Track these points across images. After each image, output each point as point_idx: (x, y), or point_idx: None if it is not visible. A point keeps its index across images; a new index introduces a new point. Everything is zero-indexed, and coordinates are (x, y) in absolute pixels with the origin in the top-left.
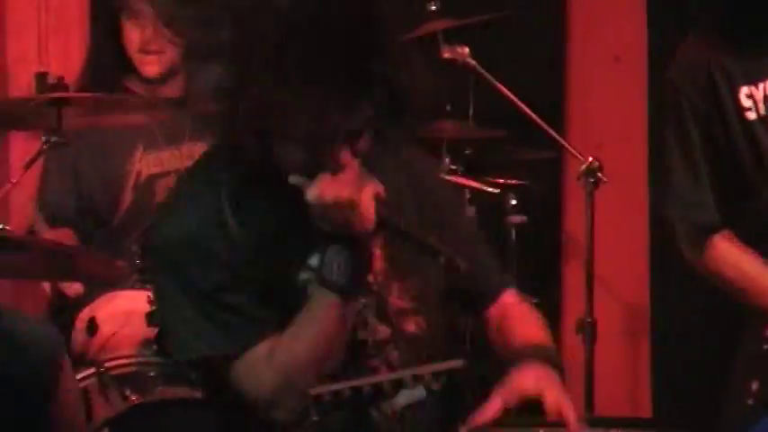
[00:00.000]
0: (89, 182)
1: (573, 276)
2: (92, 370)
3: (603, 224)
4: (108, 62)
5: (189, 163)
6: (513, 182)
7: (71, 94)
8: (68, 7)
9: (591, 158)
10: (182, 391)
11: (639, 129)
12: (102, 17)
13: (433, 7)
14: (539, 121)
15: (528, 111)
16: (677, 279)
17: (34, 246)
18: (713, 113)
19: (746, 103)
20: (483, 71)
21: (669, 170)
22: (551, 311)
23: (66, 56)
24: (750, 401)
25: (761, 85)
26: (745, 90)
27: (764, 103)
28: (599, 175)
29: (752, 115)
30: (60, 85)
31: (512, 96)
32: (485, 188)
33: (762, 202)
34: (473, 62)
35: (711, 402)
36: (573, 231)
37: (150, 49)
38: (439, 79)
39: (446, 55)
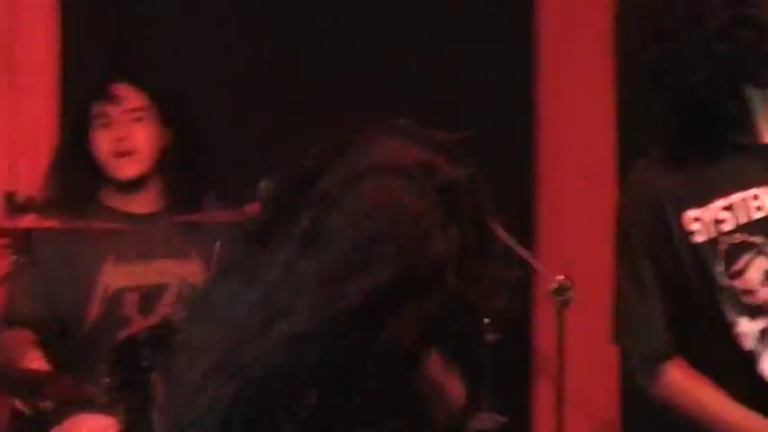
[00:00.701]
0: (56, 288)
1: (543, 394)
2: None
3: (573, 342)
4: (79, 175)
5: (158, 279)
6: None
7: (37, 224)
8: (39, 125)
9: (561, 277)
10: None
11: (609, 246)
12: (69, 129)
13: (401, 122)
14: (508, 240)
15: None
16: (647, 397)
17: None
18: (662, 239)
19: (694, 226)
20: None
21: (620, 296)
22: (522, 430)
23: (36, 173)
24: None
25: (709, 207)
26: (692, 213)
27: (713, 225)
28: (569, 293)
29: (699, 238)
30: (29, 204)
31: None
32: None
33: (718, 342)
34: None
35: None
36: (543, 349)
37: (123, 151)
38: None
39: None
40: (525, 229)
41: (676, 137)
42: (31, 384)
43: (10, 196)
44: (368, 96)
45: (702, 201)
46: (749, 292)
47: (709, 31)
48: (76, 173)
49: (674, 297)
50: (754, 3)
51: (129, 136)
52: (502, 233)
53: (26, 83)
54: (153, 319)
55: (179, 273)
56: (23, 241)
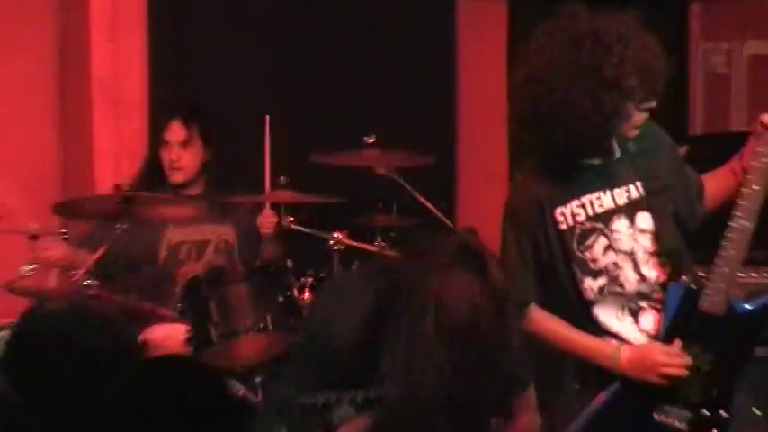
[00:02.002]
0: (140, 241)
1: None
2: None
3: None
4: (156, 173)
5: (203, 237)
6: None
7: (137, 193)
8: (135, 141)
9: None
10: None
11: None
12: (151, 146)
13: (371, 140)
14: (441, 218)
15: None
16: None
17: (118, 304)
18: (540, 226)
19: (560, 218)
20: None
21: (507, 263)
22: None
23: (132, 171)
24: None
25: (569, 205)
26: (558, 210)
27: (571, 217)
28: None
29: (563, 227)
30: (129, 191)
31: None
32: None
33: (569, 296)
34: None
35: None
36: None
37: (174, 168)
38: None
39: (379, 171)
40: (450, 213)
41: (546, 159)
42: (126, 310)
43: (118, 186)
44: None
45: (565, 202)
46: (593, 260)
47: (570, 115)
48: (155, 172)
49: (543, 266)
50: (612, 65)
51: (179, 158)
52: (436, 213)
53: (127, 112)
54: (201, 264)
55: (216, 233)
56: (126, 210)
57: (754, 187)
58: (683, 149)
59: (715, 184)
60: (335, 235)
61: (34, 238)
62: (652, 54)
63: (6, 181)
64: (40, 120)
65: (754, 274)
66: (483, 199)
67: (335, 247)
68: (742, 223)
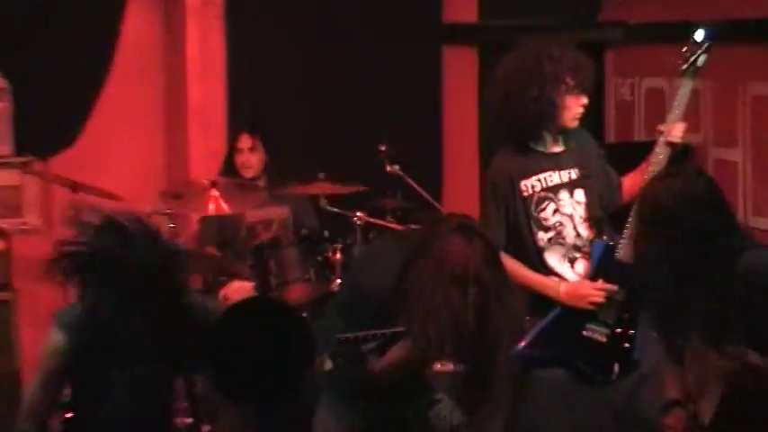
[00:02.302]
0: (227, 224)
1: None
2: None
3: None
4: (229, 173)
5: (269, 216)
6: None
7: (220, 179)
8: (218, 146)
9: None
10: None
11: (476, 199)
12: (228, 150)
13: (321, 175)
14: (428, 197)
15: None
16: None
17: (211, 259)
18: (510, 194)
19: (523, 188)
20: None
21: (487, 220)
22: None
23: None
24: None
25: (530, 180)
26: (522, 182)
27: (529, 190)
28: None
29: (525, 194)
30: (215, 182)
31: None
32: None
33: (527, 244)
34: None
35: None
36: None
37: (245, 167)
38: None
39: (389, 170)
40: (438, 191)
41: (512, 145)
42: (212, 263)
43: (212, 181)
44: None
45: (527, 177)
46: (545, 219)
47: (526, 100)
48: (231, 170)
49: (511, 225)
50: (553, 63)
51: (248, 160)
52: (428, 198)
53: (211, 128)
54: (268, 235)
55: (277, 213)
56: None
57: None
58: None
59: (630, 182)
60: (358, 214)
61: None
62: (582, 59)
63: (126, 176)
64: (151, 134)
65: None
66: (460, 188)
67: (358, 223)
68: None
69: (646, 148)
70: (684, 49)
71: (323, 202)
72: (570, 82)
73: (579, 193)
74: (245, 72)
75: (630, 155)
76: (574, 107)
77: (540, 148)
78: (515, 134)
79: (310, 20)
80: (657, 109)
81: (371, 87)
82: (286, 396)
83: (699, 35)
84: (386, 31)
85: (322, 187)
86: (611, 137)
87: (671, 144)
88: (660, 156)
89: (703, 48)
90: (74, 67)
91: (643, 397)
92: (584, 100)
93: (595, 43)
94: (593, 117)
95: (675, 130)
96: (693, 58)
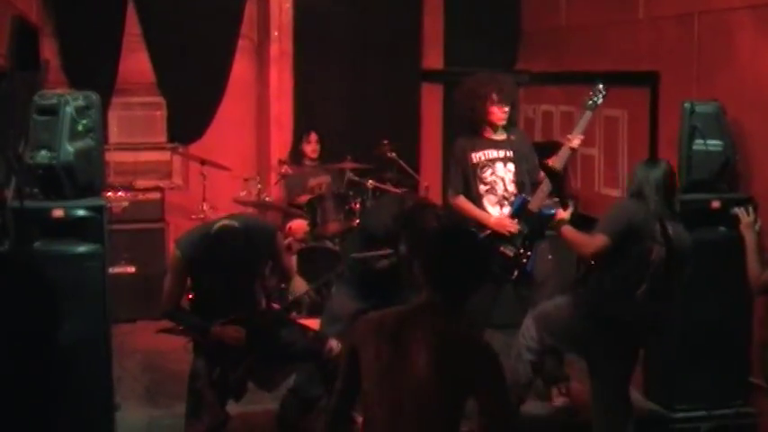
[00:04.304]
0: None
1: None
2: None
3: None
4: (297, 153)
5: (319, 182)
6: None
7: (289, 170)
8: (288, 139)
9: (426, 183)
10: None
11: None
12: (294, 143)
13: (348, 157)
14: (408, 168)
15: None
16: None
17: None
18: (464, 161)
19: (473, 158)
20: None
21: (452, 177)
22: None
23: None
24: None
25: (479, 153)
26: (473, 154)
27: (476, 159)
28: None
29: (474, 161)
30: (283, 161)
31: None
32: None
33: (473, 192)
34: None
35: None
36: None
37: (311, 150)
38: None
39: (388, 155)
40: (417, 169)
41: (469, 133)
42: (286, 211)
43: (280, 160)
44: None
45: (476, 151)
46: (485, 178)
47: (468, 109)
48: (300, 155)
49: (465, 182)
50: (486, 85)
51: (313, 149)
52: (409, 169)
53: (285, 127)
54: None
55: (325, 179)
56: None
57: (557, 163)
58: None
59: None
60: (370, 181)
61: (246, 179)
62: (504, 82)
63: (232, 156)
64: (248, 131)
65: None
66: (430, 168)
67: (370, 187)
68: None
69: (541, 146)
70: (591, 92)
71: (349, 174)
72: (494, 97)
73: (510, 165)
74: (304, 95)
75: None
76: (497, 113)
77: (486, 136)
78: (468, 127)
79: (343, 65)
80: (548, 123)
81: (380, 106)
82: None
83: (602, 85)
84: (389, 73)
85: (349, 165)
86: None
87: (572, 149)
88: (563, 153)
89: (603, 93)
90: (204, 91)
91: (536, 294)
92: (507, 108)
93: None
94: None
95: (576, 141)
96: (595, 98)
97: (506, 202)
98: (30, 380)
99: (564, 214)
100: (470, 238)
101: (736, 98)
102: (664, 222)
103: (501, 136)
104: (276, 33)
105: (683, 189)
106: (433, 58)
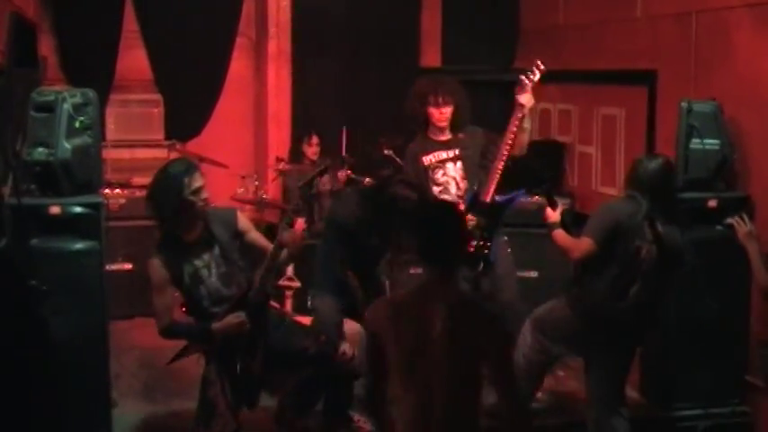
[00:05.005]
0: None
1: None
2: None
3: None
4: (297, 153)
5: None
6: None
7: (288, 167)
8: (286, 137)
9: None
10: None
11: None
12: (292, 143)
13: (346, 156)
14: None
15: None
16: None
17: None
18: (417, 166)
19: (424, 160)
20: None
21: (408, 176)
22: None
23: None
24: None
25: (429, 155)
26: (423, 157)
27: (427, 162)
28: None
29: (425, 164)
30: (281, 159)
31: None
32: None
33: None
34: None
35: None
36: None
37: (313, 152)
38: None
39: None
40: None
41: (419, 135)
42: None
43: (278, 158)
44: None
45: (427, 153)
46: (437, 179)
47: (410, 112)
48: (299, 154)
49: (419, 178)
50: (424, 89)
51: (314, 150)
52: (399, 162)
53: (283, 125)
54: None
55: (325, 177)
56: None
57: (505, 147)
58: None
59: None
60: (367, 179)
61: (243, 177)
62: (442, 85)
63: (230, 154)
64: (246, 128)
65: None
66: None
67: (367, 185)
68: (495, 163)
69: (538, 144)
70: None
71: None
72: (431, 100)
73: (459, 164)
74: (302, 93)
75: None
76: (437, 115)
77: (434, 137)
78: (414, 129)
79: (340, 62)
80: (546, 122)
81: (377, 105)
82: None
83: (539, 61)
84: (387, 70)
85: (347, 162)
86: None
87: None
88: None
89: (537, 70)
90: (203, 89)
91: (500, 286)
92: (446, 109)
93: (510, 82)
94: (506, 123)
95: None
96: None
97: (461, 201)
98: (27, 376)
99: (554, 216)
100: (449, 207)
101: (733, 97)
102: (653, 221)
103: (448, 136)
104: (274, 30)
105: (680, 188)
106: (431, 55)
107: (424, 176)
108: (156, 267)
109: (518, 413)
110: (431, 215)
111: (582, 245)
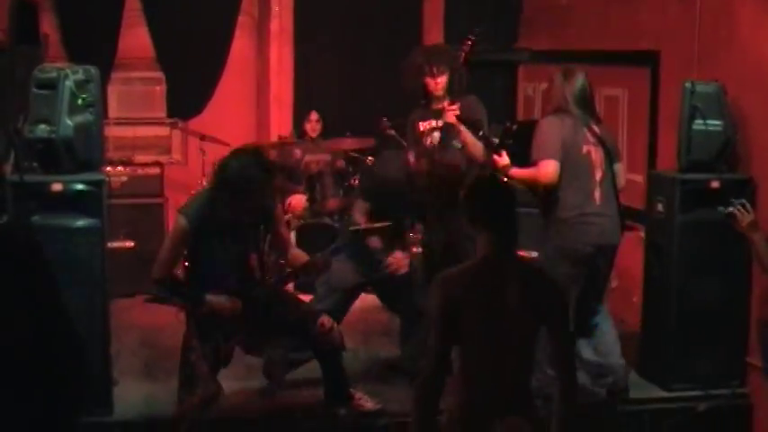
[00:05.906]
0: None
1: None
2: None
3: None
4: (299, 131)
5: (317, 158)
6: None
7: (290, 142)
8: (287, 117)
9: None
10: None
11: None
12: (294, 122)
13: (348, 134)
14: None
15: None
16: None
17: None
18: (413, 131)
19: (420, 126)
20: None
21: (408, 142)
22: None
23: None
24: None
25: (425, 122)
26: (420, 123)
27: (422, 128)
28: None
29: (420, 129)
30: (283, 138)
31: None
32: None
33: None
34: None
35: None
36: None
37: (312, 129)
38: None
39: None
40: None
41: (420, 104)
42: (285, 188)
43: (281, 136)
44: None
45: (423, 121)
46: (424, 142)
47: (408, 81)
48: (302, 132)
49: (416, 142)
50: (411, 72)
51: (314, 128)
52: (400, 140)
53: (285, 105)
54: (316, 169)
55: (324, 156)
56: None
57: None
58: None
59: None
60: (369, 158)
61: None
62: (437, 55)
63: (232, 132)
64: (248, 108)
65: None
66: None
67: (369, 164)
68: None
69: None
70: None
71: (348, 152)
72: (426, 69)
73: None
74: (305, 72)
75: (530, 128)
76: (431, 84)
77: (432, 107)
78: (414, 98)
79: (343, 41)
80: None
81: (380, 85)
82: None
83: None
84: (390, 52)
85: (349, 143)
86: (520, 116)
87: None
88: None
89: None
90: (205, 67)
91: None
92: (441, 78)
93: (512, 61)
94: (509, 106)
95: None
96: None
97: None
98: (28, 354)
99: (502, 159)
100: (498, 179)
101: (736, 78)
102: (591, 126)
103: (444, 104)
104: (277, 9)
105: (682, 169)
106: (434, 34)
107: (418, 139)
108: (183, 226)
109: (574, 373)
110: (487, 186)
111: (547, 168)
